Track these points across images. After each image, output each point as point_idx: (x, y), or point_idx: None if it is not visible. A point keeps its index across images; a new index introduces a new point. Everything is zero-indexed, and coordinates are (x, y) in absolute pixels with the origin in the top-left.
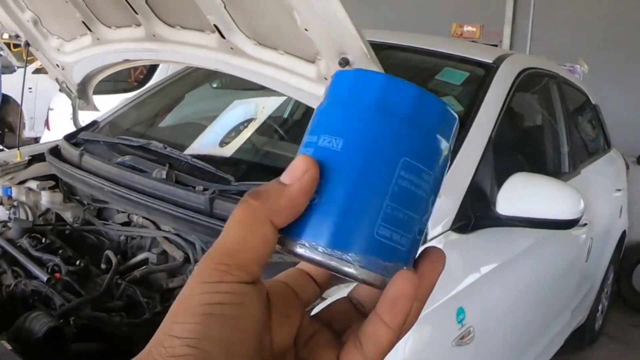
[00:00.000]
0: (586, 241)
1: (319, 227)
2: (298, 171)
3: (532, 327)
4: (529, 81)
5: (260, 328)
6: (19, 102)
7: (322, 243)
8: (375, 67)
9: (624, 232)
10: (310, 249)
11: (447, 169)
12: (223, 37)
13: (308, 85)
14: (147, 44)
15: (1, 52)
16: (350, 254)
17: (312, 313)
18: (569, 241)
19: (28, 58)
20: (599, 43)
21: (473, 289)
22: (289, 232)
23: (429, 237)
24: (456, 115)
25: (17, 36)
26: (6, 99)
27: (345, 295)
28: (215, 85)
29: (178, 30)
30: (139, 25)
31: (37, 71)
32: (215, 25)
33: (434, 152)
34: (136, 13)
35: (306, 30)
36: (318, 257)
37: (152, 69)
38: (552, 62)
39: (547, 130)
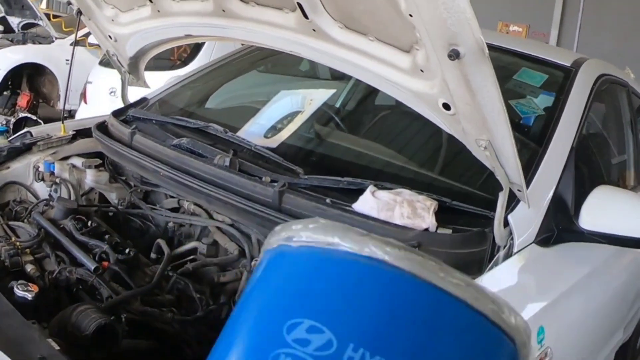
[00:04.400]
0: None
1: None
2: None
3: (599, 343)
4: (604, 88)
5: None
6: (55, 74)
7: None
8: (487, 65)
9: None
10: None
11: None
12: (306, 17)
13: (398, 76)
14: (214, 19)
15: (40, 22)
16: None
17: None
18: (634, 258)
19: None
20: None
21: (552, 307)
22: None
23: (514, 250)
24: None
25: (70, 3)
26: (43, 69)
27: None
28: (261, 69)
29: (252, 6)
30: None
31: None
32: (298, 4)
33: None
34: None
35: (411, 15)
36: None
37: (196, 47)
38: (620, 70)
39: (615, 141)
